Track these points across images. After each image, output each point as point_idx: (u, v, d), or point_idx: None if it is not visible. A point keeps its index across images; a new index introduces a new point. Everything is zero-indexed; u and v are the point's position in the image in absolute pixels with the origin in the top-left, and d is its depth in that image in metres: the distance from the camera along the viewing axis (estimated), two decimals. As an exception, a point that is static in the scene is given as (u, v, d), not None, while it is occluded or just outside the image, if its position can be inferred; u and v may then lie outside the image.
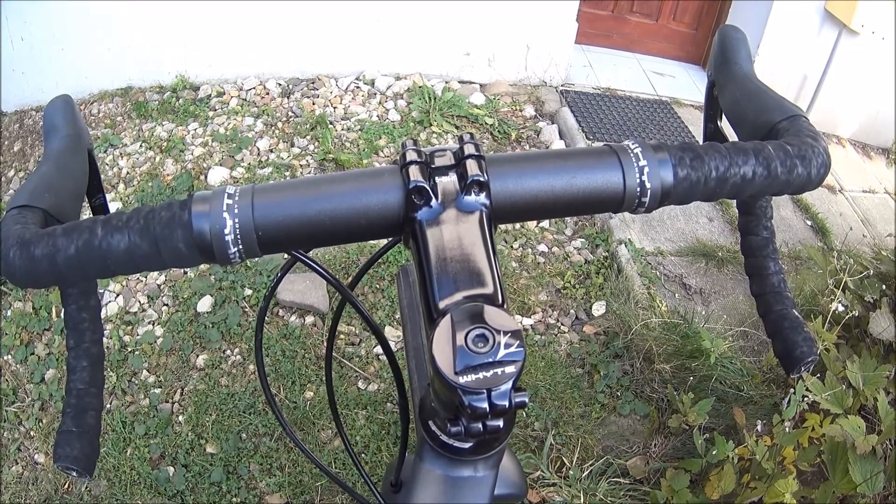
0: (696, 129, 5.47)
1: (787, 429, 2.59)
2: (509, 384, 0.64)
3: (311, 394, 3.20)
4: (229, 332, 3.38)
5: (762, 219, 1.03)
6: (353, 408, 3.17)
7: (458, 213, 0.76)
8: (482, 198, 0.76)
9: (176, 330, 3.41)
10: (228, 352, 3.35)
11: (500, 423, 0.69)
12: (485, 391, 0.63)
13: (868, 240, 4.71)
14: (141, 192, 3.95)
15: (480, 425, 0.68)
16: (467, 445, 0.81)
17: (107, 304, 3.54)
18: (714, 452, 2.72)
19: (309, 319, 3.48)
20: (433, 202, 0.76)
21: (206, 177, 4.08)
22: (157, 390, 3.22)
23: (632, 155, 0.79)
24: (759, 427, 2.74)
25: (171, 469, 2.97)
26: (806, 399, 2.69)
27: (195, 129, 4.49)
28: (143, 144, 4.36)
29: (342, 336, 3.44)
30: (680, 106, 5.77)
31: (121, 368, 3.30)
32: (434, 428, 0.83)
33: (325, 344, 1.27)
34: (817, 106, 6.07)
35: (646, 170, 0.78)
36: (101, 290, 3.53)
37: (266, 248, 0.74)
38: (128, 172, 4.16)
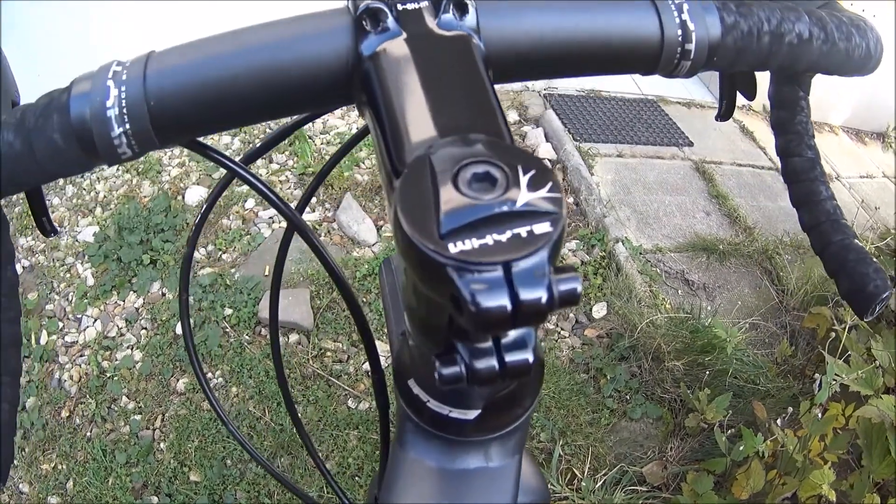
0: (686, 125, 5.41)
1: (818, 416, 2.41)
2: (544, 252, 0.40)
3: (299, 415, 2.97)
4: (210, 354, 3.24)
5: (804, 136, 0.86)
6: (343, 428, 3.01)
7: (431, 38, 0.55)
8: (467, 20, 0.57)
9: (155, 354, 3.26)
10: (210, 374, 3.20)
11: (530, 349, 0.47)
12: (499, 266, 0.39)
13: (871, 223, 4.57)
14: (118, 214, 3.81)
15: (495, 355, 0.46)
16: (472, 415, 0.60)
17: (84, 330, 3.41)
18: (741, 449, 2.55)
19: (293, 337, 3.32)
20: (390, 22, 0.55)
21: (183, 197, 3.97)
22: (138, 416, 3.07)
23: None
24: (778, 421, 2.62)
25: (155, 499, 2.83)
26: (833, 384, 2.51)
27: (172, 151, 4.38)
28: (120, 168, 4.25)
29: (329, 353, 3.29)
30: (667, 104, 5.67)
31: (99, 395, 3.16)
32: (417, 390, 0.63)
33: (269, 321, 1.04)
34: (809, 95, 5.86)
35: (685, 7, 0.61)
36: (79, 316, 3.44)
37: (164, 129, 0.54)
38: (105, 196, 4.04)
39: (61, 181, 4.04)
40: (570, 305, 0.41)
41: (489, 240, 0.40)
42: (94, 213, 3.94)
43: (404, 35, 0.54)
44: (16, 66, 0.67)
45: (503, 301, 0.39)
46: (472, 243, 0.40)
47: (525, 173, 0.43)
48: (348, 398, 3.14)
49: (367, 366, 3.21)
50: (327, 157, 4.07)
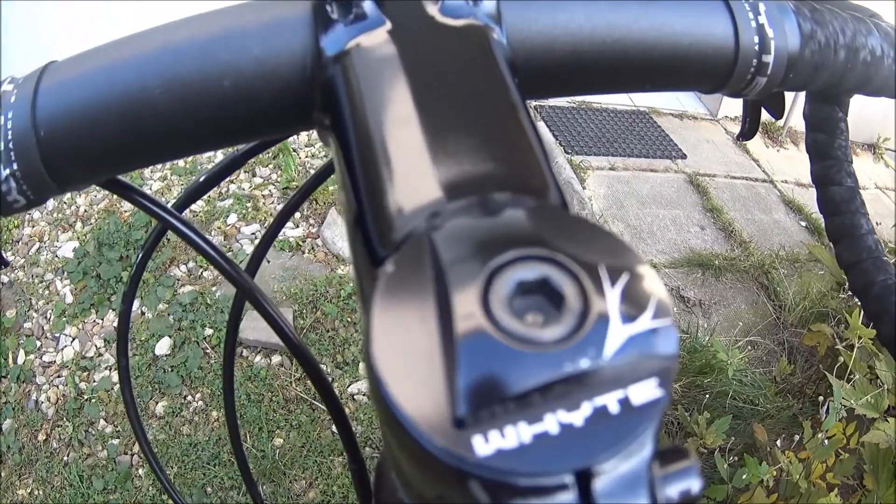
0: (679, 137, 5.38)
1: (823, 441, 2.34)
2: (647, 444, 0.23)
3: (281, 440, 2.96)
4: (190, 377, 3.15)
5: (844, 162, 0.77)
6: (328, 454, 2.92)
7: (429, 29, 0.38)
8: (484, 4, 0.39)
9: (133, 375, 3.17)
10: (189, 397, 3.11)
11: None
12: (569, 477, 0.22)
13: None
14: (98, 230, 3.74)
15: None
16: None
17: (62, 349, 3.34)
18: (744, 476, 2.47)
19: (275, 359, 3.24)
20: (367, 5, 0.38)
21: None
22: (116, 441, 2.99)
23: None
24: (779, 443, 2.57)
25: None
26: (840, 409, 2.45)
27: (154, 167, 4.28)
28: None
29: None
30: (659, 115, 5.64)
31: (77, 418, 3.07)
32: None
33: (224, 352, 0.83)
34: (799, 105, 5.83)
35: (762, 7, 0.48)
36: (57, 335, 3.36)
37: (60, 168, 0.41)
38: (85, 210, 3.97)
39: None
40: None
41: (551, 424, 0.22)
42: (74, 227, 3.87)
43: (388, 25, 0.38)
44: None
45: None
46: (518, 434, 0.22)
47: (613, 279, 0.25)
48: (332, 423, 3.02)
49: (352, 388, 3.14)
50: (312, 171, 4.05)
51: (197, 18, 0.41)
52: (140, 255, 0.70)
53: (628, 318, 0.24)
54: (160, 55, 0.40)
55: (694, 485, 0.24)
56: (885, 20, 0.62)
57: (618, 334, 0.24)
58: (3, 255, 0.54)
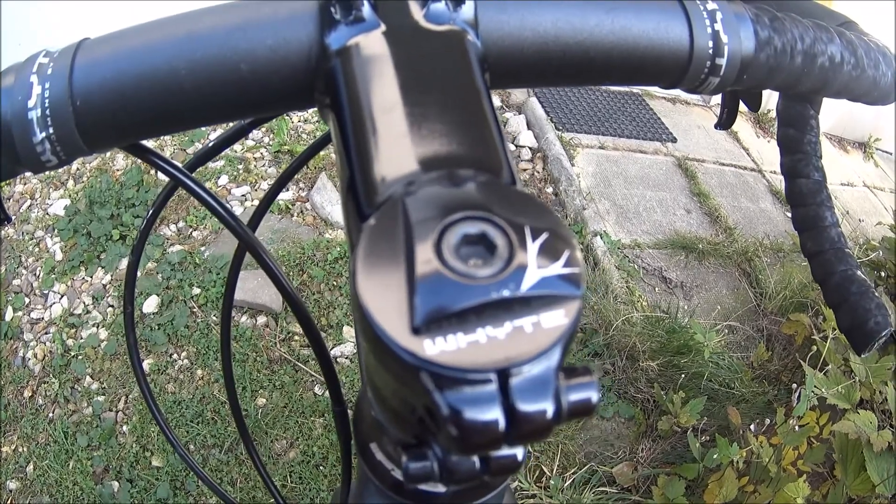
0: (670, 121, 5.41)
1: (794, 427, 2.38)
2: (554, 354, 0.31)
3: (264, 400, 2.97)
4: (176, 335, 3.16)
5: (812, 157, 0.81)
6: (308, 415, 2.94)
7: (415, 32, 0.46)
8: (463, 12, 0.47)
9: (120, 333, 3.18)
10: (175, 356, 3.12)
11: (519, 452, 0.37)
12: (492, 374, 0.30)
13: (851, 232, 4.55)
14: (90, 188, 3.74)
15: (477, 460, 0.37)
16: (444, 488, 0.51)
17: (51, 306, 3.35)
18: (715, 456, 2.50)
19: (261, 320, 3.25)
20: (365, 10, 0.46)
21: (156, 171, 3.80)
22: (101, 398, 3.00)
23: None
24: (752, 427, 2.61)
25: (116, 484, 2.75)
26: (812, 397, 2.48)
27: None
28: None
29: (296, 338, 3.22)
30: (652, 98, 5.67)
31: (63, 374, 3.09)
32: (380, 457, 0.53)
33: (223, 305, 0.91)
34: None
35: (718, 16, 0.54)
36: (46, 292, 3.38)
37: (92, 133, 0.46)
38: (77, 169, 3.97)
39: None
40: (581, 417, 0.33)
41: (481, 336, 0.31)
42: (66, 185, 3.87)
43: (382, 27, 0.45)
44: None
45: (494, 416, 0.30)
46: (457, 341, 0.31)
47: (535, 236, 0.33)
48: (315, 384, 3.08)
49: (335, 351, 3.17)
50: (304, 136, 4.06)
51: (218, 9, 0.48)
52: (152, 210, 0.76)
53: (544, 259, 0.33)
54: (187, 41, 0.46)
55: (593, 396, 0.32)
56: (859, 28, 0.68)
57: (533, 275, 0.32)
58: (5, 209, 0.58)
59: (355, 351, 3.14)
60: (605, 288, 3.60)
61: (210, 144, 0.74)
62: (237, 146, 4.05)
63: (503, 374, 0.30)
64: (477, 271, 0.32)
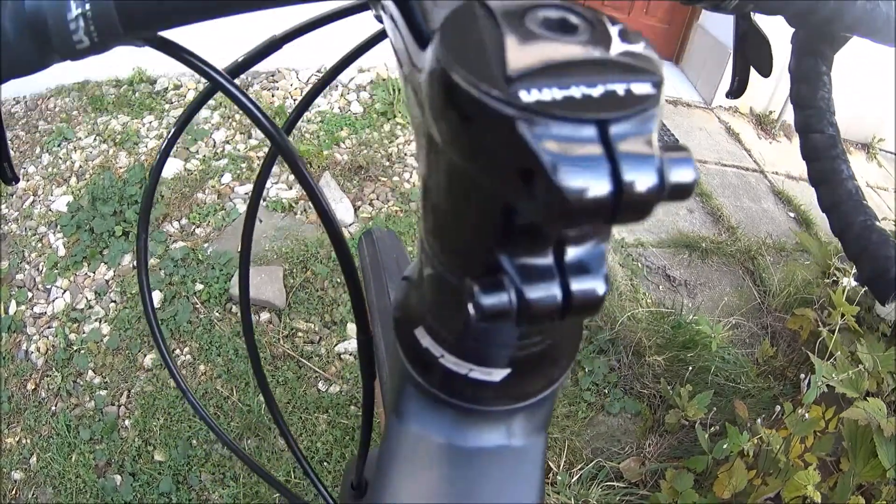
0: (672, 123, 5.48)
1: (804, 416, 2.36)
2: (652, 116, 0.30)
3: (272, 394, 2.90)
4: (179, 330, 3.15)
5: (826, 112, 0.80)
6: (312, 411, 2.93)
7: None
8: None
9: (123, 328, 3.18)
10: (178, 351, 3.11)
11: (602, 275, 0.36)
12: (593, 126, 0.29)
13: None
14: (93, 185, 3.74)
15: (557, 279, 0.34)
16: (498, 375, 0.46)
17: (53, 301, 3.34)
18: (724, 447, 2.49)
19: (264, 316, 3.24)
20: None
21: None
22: (103, 392, 2.98)
23: None
24: (759, 421, 2.57)
25: (118, 477, 2.73)
26: (820, 385, 2.47)
27: (150, 122, 4.34)
28: (98, 138, 4.20)
29: (300, 334, 3.21)
30: None
31: (66, 368, 3.07)
32: (427, 342, 0.48)
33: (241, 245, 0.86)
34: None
35: None
36: (49, 287, 3.37)
37: (126, 10, 0.43)
38: (80, 166, 3.97)
39: (37, 150, 4.02)
40: (681, 199, 0.31)
41: (575, 92, 0.29)
42: (68, 182, 3.87)
43: None
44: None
45: (601, 173, 0.28)
46: (552, 93, 0.29)
47: (613, 23, 0.33)
48: (319, 380, 3.07)
49: (339, 348, 3.16)
50: (307, 136, 4.06)
51: None
52: (184, 114, 0.73)
53: (625, 40, 0.32)
54: None
55: (692, 172, 0.30)
56: None
57: (618, 46, 0.32)
58: (13, 167, 0.56)
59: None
60: (609, 285, 3.55)
61: (254, 49, 0.69)
62: (240, 145, 4.06)
63: (603, 129, 0.29)
64: (564, 35, 0.32)
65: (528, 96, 0.28)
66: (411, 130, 4.39)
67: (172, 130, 0.74)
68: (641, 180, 0.28)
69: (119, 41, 0.45)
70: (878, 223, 0.76)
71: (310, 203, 3.63)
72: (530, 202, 0.29)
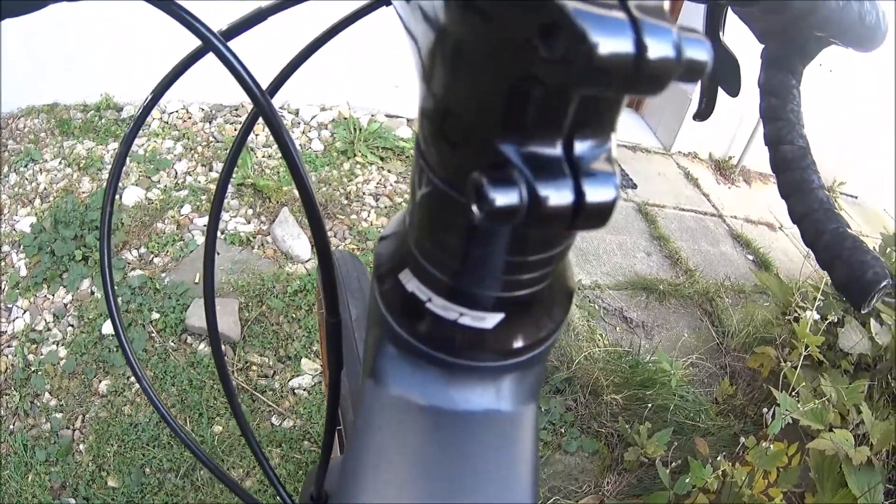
0: (631, 168, 5.57)
1: (767, 449, 2.37)
2: None
3: (221, 428, 2.93)
4: (135, 358, 3.04)
5: (796, 125, 0.80)
6: (266, 445, 2.91)
7: None
8: None
9: (79, 352, 3.16)
10: (132, 378, 3.08)
11: (614, 181, 0.34)
12: None
13: (813, 271, 4.61)
14: (56, 208, 3.72)
15: (569, 176, 0.33)
16: (491, 321, 0.44)
17: (14, 320, 3.32)
18: (688, 481, 2.48)
19: (219, 348, 3.16)
20: None
21: (121, 196, 3.92)
22: (59, 415, 2.96)
23: None
24: (720, 458, 2.57)
25: (72, 501, 2.71)
26: (785, 416, 2.48)
27: (114, 149, 4.31)
28: (63, 161, 4.20)
29: (254, 368, 3.19)
30: None
31: (24, 388, 3.05)
32: (414, 286, 0.46)
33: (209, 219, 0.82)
34: (756, 143, 6.01)
35: None
36: (10, 306, 3.35)
37: None
38: (45, 188, 3.97)
39: (5, 168, 4.04)
40: (693, 79, 0.30)
41: None
42: (33, 203, 3.86)
43: None
44: None
45: (624, 31, 0.28)
46: None
47: None
48: (272, 415, 3.05)
49: (293, 383, 3.13)
50: (268, 171, 4.05)
51: None
52: (172, 71, 0.72)
53: None
54: None
55: (707, 50, 0.30)
56: None
57: None
58: None
59: (314, 382, 3.12)
60: (566, 326, 3.55)
61: (240, 19, 0.67)
62: (201, 177, 4.05)
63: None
64: None
65: None
66: (370, 170, 4.42)
67: (156, 87, 0.73)
68: (660, 48, 0.28)
69: None
70: (850, 230, 0.75)
71: (267, 237, 3.64)
72: (550, 61, 0.29)
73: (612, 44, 0.27)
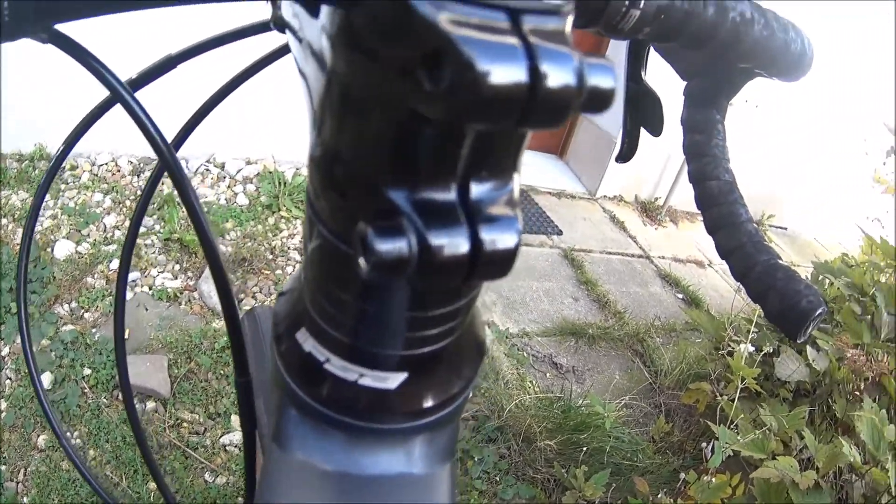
0: (556, 215, 5.57)
1: (710, 482, 2.38)
2: (567, 18, 0.29)
3: (155, 485, 2.84)
4: (69, 413, 3.08)
5: (721, 160, 0.81)
6: (200, 502, 2.88)
7: None
8: None
9: (18, 405, 3.10)
10: (69, 433, 3.03)
11: (515, 227, 0.32)
12: (504, 13, 0.28)
13: (748, 304, 4.65)
14: (-10, 258, 3.69)
15: (463, 220, 0.32)
16: (394, 381, 0.42)
17: (-48, 373, 3.27)
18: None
19: (150, 405, 3.18)
20: None
21: (52, 249, 3.87)
22: (3, 467, 2.92)
23: None
24: (661, 495, 2.61)
25: None
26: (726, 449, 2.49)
27: (46, 201, 4.27)
28: None
29: (185, 424, 3.16)
30: (537, 193, 5.83)
31: (-31, 439, 3.00)
32: (311, 345, 0.43)
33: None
34: (682, 183, 6.14)
35: None
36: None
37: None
38: None
39: None
40: (598, 108, 0.28)
41: None
42: (-33, 255, 3.78)
43: None
44: None
45: (516, 58, 0.26)
46: None
47: None
48: (205, 471, 3.01)
49: (224, 439, 3.11)
50: (188, 223, 4.03)
51: None
52: (80, 124, 0.72)
53: None
54: None
55: (611, 77, 0.28)
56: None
57: None
58: None
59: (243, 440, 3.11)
60: (495, 375, 3.61)
61: (150, 67, 0.65)
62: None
63: (515, 17, 0.27)
64: None
65: None
66: (294, 224, 4.43)
67: (70, 136, 0.73)
68: (558, 75, 0.26)
69: (30, 30, 0.40)
70: (781, 261, 0.75)
71: (194, 293, 3.61)
72: (435, 95, 0.27)
73: (502, 72, 0.25)
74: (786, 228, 7.29)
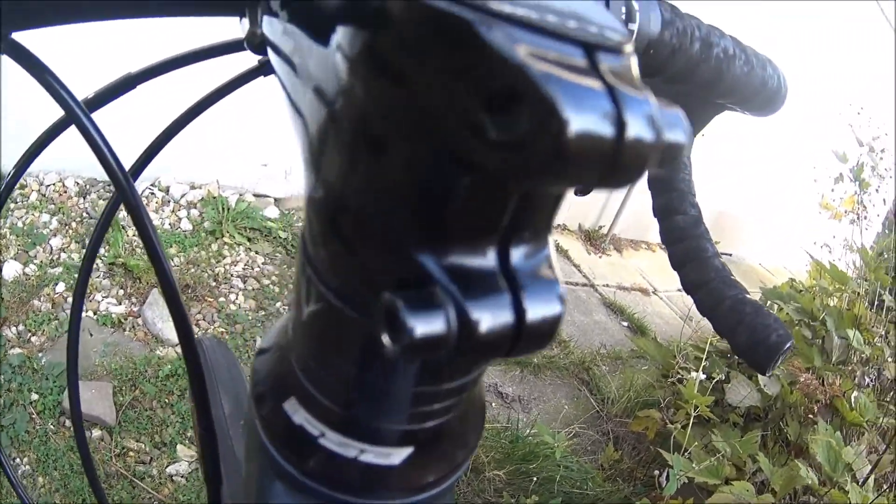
0: None
1: (665, 509, 2.41)
2: (634, 55, 0.26)
3: None
4: (18, 439, 3.04)
5: (687, 194, 0.81)
6: (150, 533, 2.81)
7: None
8: None
9: (-26, 447, 2.99)
10: (17, 460, 2.99)
11: (558, 295, 0.29)
12: (580, 48, 0.24)
13: (693, 332, 4.68)
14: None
15: (507, 291, 0.28)
16: (398, 457, 0.38)
17: None
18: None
19: (95, 433, 3.14)
20: None
21: (1, 270, 3.80)
22: None
23: None
24: (612, 525, 2.54)
25: None
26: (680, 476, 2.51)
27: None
28: None
29: (131, 453, 3.12)
30: None
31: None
32: (301, 418, 0.39)
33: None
34: (627, 211, 6.22)
35: None
36: None
37: None
38: None
39: None
40: (667, 164, 0.25)
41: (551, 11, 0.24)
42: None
43: None
44: None
45: (603, 108, 0.22)
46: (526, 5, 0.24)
47: None
48: (153, 501, 2.98)
49: (170, 469, 3.07)
50: (139, 250, 4.00)
51: None
52: (35, 143, 0.67)
53: None
54: None
55: (684, 129, 0.25)
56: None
57: None
58: None
59: (191, 469, 3.07)
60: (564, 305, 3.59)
61: (107, 86, 0.60)
62: (74, 254, 3.98)
63: (590, 54, 0.24)
64: None
65: (500, 4, 0.24)
66: (238, 251, 4.39)
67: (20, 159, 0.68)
68: (641, 126, 0.23)
69: None
70: (749, 296, 0.75)
71: (138, 319, 3.58)
72: (500, 143, 0.23)
73: (590, 121, 0.22)
74: (731, 255, 7.40)
